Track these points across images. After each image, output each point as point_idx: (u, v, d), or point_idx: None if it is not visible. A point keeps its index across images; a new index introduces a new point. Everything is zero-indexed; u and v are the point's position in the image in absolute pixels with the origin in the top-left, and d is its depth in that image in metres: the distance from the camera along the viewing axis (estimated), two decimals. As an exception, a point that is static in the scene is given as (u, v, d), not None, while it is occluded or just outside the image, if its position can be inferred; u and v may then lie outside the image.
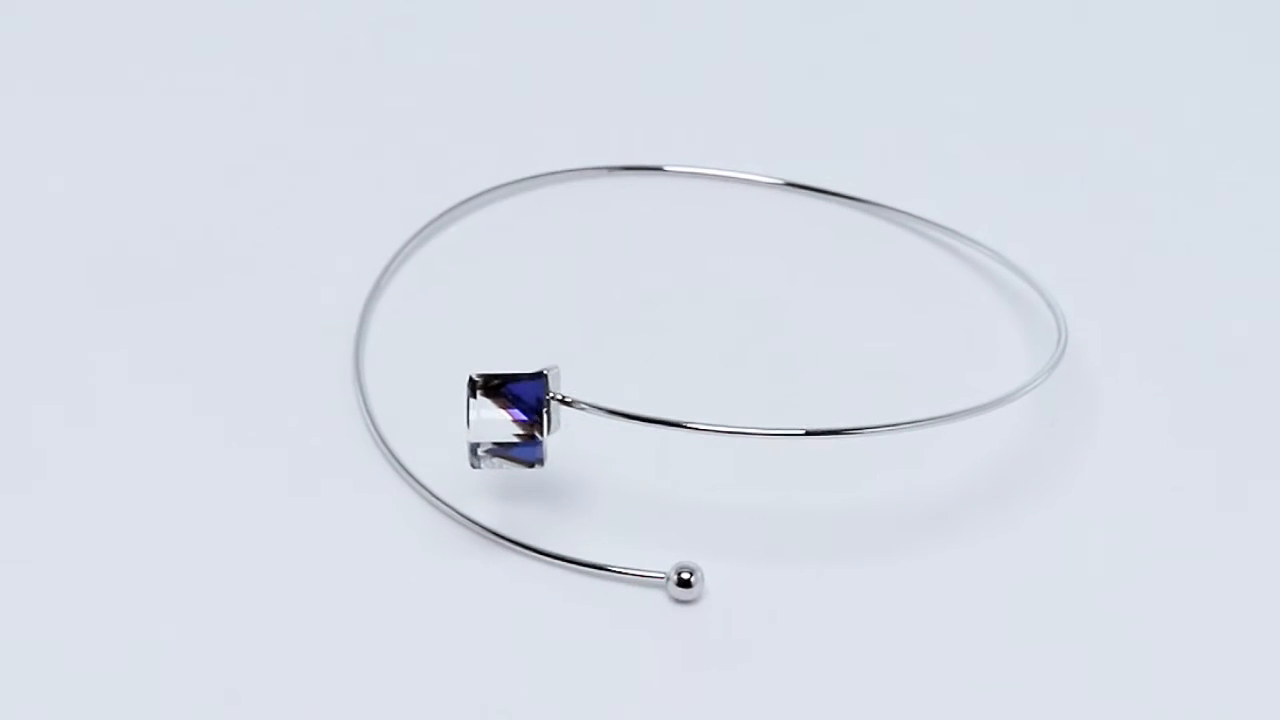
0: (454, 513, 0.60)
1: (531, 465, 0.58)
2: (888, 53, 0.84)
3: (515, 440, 0.58)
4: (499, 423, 0.58)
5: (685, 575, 0.58)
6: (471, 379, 0.58)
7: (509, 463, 0.58)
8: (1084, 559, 0.60)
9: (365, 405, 0.63)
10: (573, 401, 0.58)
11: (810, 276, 0.70)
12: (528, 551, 0.59)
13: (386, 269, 0.69)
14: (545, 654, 0.56)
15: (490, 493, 0.61)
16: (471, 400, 0.58)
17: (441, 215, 0.72)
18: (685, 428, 0.58)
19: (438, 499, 0.60)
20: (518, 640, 0.57)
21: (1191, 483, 0.62)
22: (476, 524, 0.60)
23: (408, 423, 0.63)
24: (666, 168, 0.75)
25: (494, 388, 0.58)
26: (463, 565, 0.59)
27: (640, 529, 0.60)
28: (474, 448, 0.58)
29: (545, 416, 0.58)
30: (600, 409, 0.58)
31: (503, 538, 0.59)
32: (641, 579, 0.58)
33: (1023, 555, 0.60)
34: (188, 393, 0.64)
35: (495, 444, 0.58)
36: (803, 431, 0.59)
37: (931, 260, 0.72)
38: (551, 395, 0.58)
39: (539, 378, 0.58)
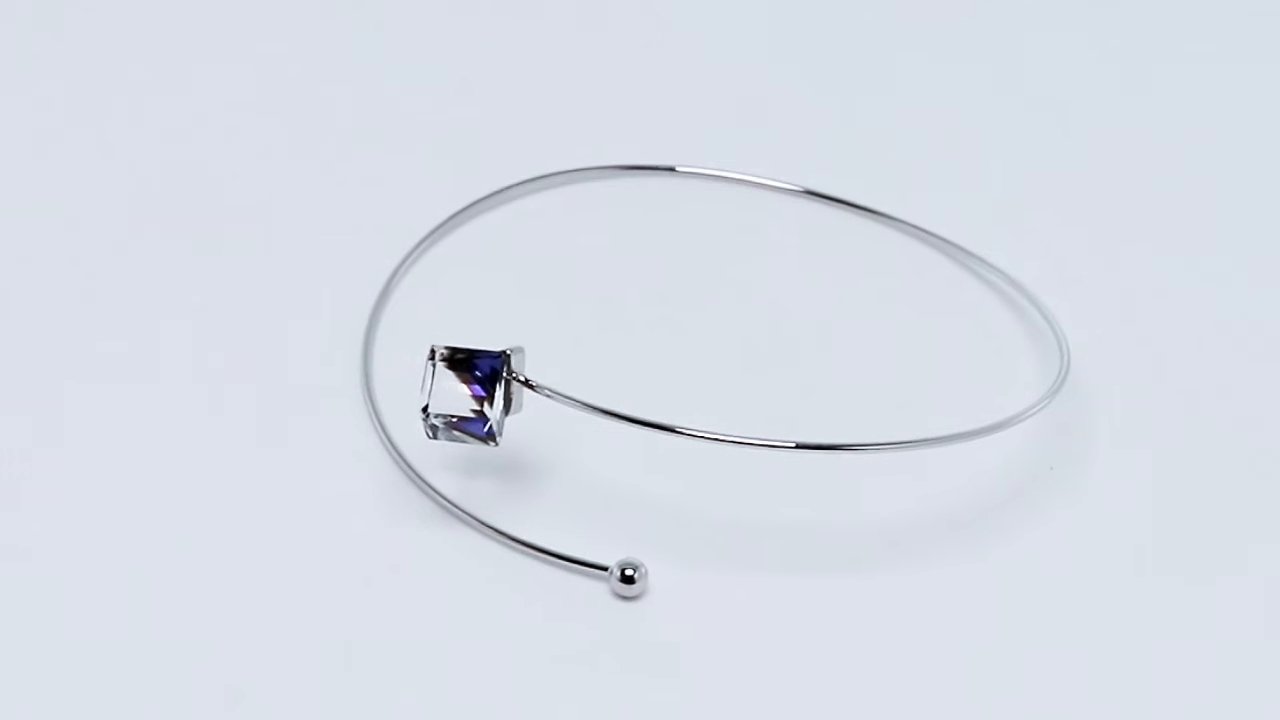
0: (419, 480, 0.60)
1: (485, 441, 0.59)
2: (916, 67, 0.83)
3: (470, 415, 0.58)
4: (458, 395, 0.58)
5: (629, 571, 0.58)
6: (433, 349, 0.58)
7: (464, 436, 0.59)
8: (1059, 593, 0.59)
9: (367, 374, 0.64)
10: (536, 385, 0.59)
11: (820, 288, 0.70)
12: (482, 527, 0.59)
13: (399, 268, 0.69)
14: (475, 630, 0.57)
15: (464, 466, 0.61)
16: (431, 369, 0.58)
17: (457, 214, 0.72)
18: (666, 430, 0.57)
19: (408, 465, 0.61)
20: (450, 613, 0.57)
21: (1183, 518, 0.62)
22: (438, 493, 0.60)
23: (403, 401, 0.63)
24: (679, 168, 0.75)
25: (458, 361, 0.58)
26: (417, 532, 0.59)
27: (605, 523, 0.60)
28: (427, 417, 0.58)
29: (496, 393, 0.58)
30: (564, 396, 0.58)
31: (460, 510, 0.60)
32: (586, 570, 0.58)
33: (993, 585, 0.59)
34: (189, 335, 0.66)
35: (451, 416, 0.58)
36: (793, 445, 0.58)
37: (947, 278, 0.71)
38: (514, 376, 0.58)
39: (497, 355, 0.58)
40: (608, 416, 0.58)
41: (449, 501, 0.60)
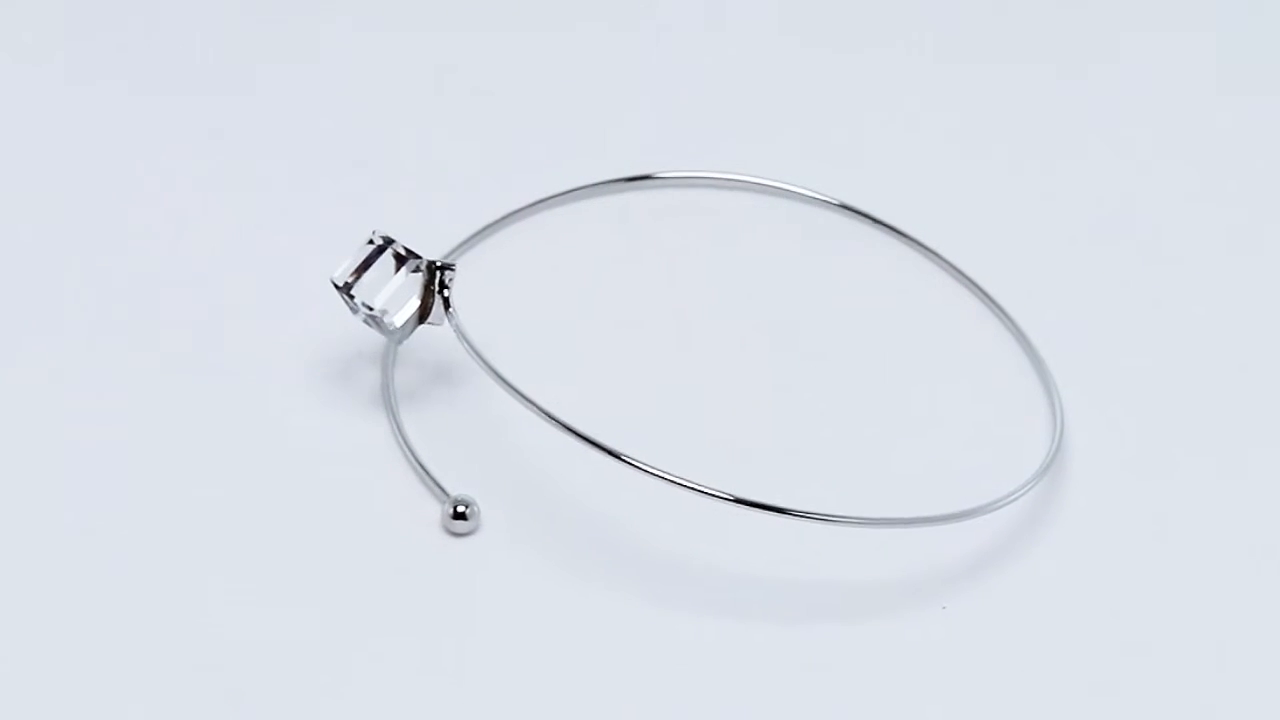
0: (381, 372, 0.64)
1: (390, 337, 0.61)
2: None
3: (380, 308, 0.61)
4: (381, 286, 0.61)
5: (461, 508, 0.59)
6: (374, 234, 0.61)
7: (376, 326, 0.62)
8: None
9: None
10: (451, 311, 0.61)
11: (832, 313, 0.68)
12: (391, 419, 0.62)
13: None
14: (301, 509, 0.60)
15: (429, 365, 0.64)
16: (365, 253, 0.61)
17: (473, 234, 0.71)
18: (608, 452, 0.58)
19: (387, 361, 0.64)
20: (295, 481, 0.60)
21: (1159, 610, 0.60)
22: (387, 387, 0.63)
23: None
24: (702, 175, 0.73)
25: (397, 255, 0.61)
26: (338, 411, 0.63)
27: (501, 475, 0.61)
28: (349, 296, 0.61)
29: (409, 291, 0.61)
30: (467, 342, 0.60)
31: (388, 399, 0.62)
32: (435, 489, 0.60)
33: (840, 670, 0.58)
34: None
35: (369, 306, 0.61)
36: (731, 498, 0.58)
37: (968, 321, 0.68)
38: (439, 287, 0.61)
39: (417, 257, 0.61)
40: (500, 383, 0.59)
41: (385, 391, 0.63)
